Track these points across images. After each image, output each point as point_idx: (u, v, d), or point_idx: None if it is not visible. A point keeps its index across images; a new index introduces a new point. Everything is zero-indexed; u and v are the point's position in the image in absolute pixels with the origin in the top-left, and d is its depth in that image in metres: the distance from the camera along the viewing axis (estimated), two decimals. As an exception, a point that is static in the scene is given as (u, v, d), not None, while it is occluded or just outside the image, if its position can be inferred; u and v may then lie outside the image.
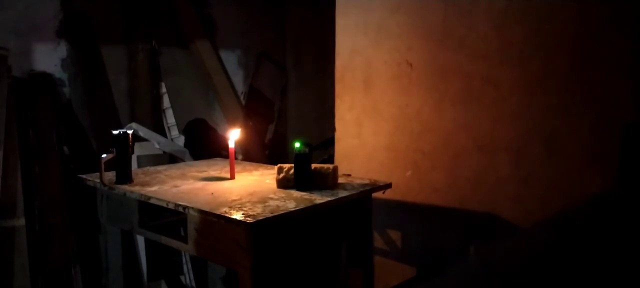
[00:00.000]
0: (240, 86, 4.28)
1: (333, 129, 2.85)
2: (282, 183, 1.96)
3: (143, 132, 3.18)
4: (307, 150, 1.91)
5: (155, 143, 3.22)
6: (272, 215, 1.59)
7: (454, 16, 2.33)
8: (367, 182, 2.08)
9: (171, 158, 3.30)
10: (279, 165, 2.00)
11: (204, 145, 3.80)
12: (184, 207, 1.71)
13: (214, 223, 1.66)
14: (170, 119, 3.67)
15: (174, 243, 1.87)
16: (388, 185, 2.06)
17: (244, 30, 4.24)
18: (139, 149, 3.19)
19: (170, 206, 1.76)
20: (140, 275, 3.10)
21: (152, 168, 2.39)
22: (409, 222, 2.58)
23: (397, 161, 2.58)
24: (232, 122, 3.94)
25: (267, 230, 1.61)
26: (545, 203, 2.13)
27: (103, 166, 1.97)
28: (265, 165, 2.53)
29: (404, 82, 2.52)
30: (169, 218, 2.16)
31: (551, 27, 2.08)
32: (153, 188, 1.94)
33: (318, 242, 1.92)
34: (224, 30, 4.07)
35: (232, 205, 1.68)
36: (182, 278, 3.28)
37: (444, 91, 2.39)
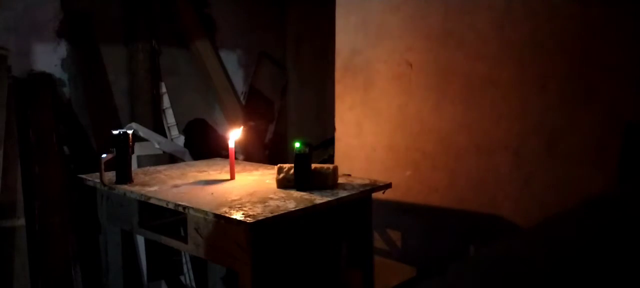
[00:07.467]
0: (240, 86, 4.28)
1: (333, 129, 2.85)
2: (282, 184, 1.95)
3: (143, 132, 3.18)
4: (307, 150, 1.91)
5: (155, 143, 3.22)
6: (272, 215, 1.58)
7: (454, 16, 2.33)
8: (367, 182, 2.08)
9: (171, 158, 3.30)
10: (279, 165, 2.00)
11: (204, 145, 3.80)
12: (184, 207, 1.71)
13: (214, 223, 1.66)
14: (170, 119, 3.67)
15: (174, 243, 1.87)
16: (388, 185, 2.06)
17: (244, 30, 4.24)
18: (139, 149, 3.19)
19: (170, 206, 1.76)
20: (140, 275, 3.10)
21: (152, 168, 2.39)
22: (409, 222, 2.58)
23: (397, 161, 2.58)
24: (232, 122, 3.94)
25: (267, 230, 1.61)
26: (545, 203, 2.13)
27: (103, 166, 1.97)
28: (265, 165, 2.53)
29: (404, 82, 2.52)
30: (169, 218, 2.16)
31: (551, 26, 2.08)
32: (153, 188, 1.94)
33: (318, 242, 1.92)
34: (224, 30, 4.07)
35: (232, 205, 1.68)
36: (182, 278, 3.28)
37: (444, 91, 2.39)
